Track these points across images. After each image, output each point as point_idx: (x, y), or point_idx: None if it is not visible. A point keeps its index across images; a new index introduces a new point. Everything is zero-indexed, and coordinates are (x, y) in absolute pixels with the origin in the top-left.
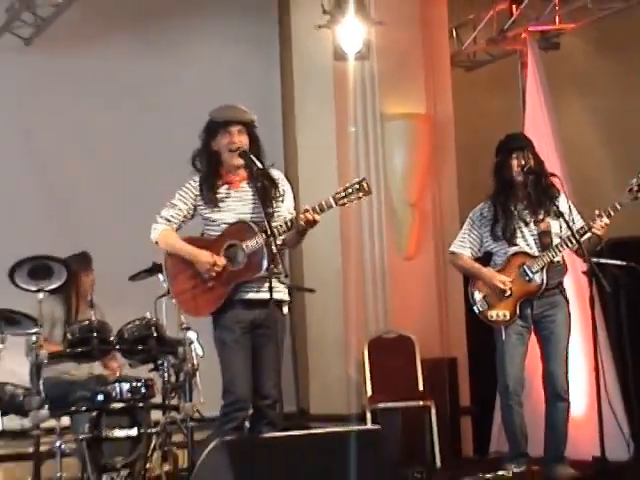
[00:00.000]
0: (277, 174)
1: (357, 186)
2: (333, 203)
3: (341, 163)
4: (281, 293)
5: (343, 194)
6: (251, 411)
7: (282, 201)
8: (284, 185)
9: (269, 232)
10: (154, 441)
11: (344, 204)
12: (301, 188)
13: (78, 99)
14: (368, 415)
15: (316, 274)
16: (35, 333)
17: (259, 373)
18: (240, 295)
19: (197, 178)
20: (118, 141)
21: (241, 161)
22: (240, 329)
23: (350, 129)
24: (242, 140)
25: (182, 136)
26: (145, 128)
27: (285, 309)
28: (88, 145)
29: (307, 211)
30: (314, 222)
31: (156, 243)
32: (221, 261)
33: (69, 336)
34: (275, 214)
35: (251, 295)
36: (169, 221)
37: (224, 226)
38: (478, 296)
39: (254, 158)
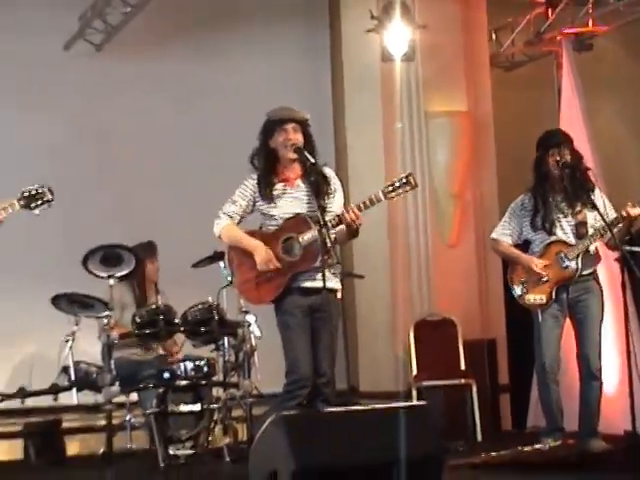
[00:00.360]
0: (329, 172)
1: (404, 180)
2: (382, 197)
3: (388, 159)
4: (334, 282)
5: (391, 188)
6: (308, 389)
7: (333, 197)
8: (335, 183)
9: (322, 224)
10: (215, 416)
11: (392, 198)
12: (351, 184)
13: (144, 101)
14: (414, 392)
15: (365, 261)
16: (107, 316)
17: (316, 353)
18: (297, 283)
19: (255, 176)
20: (181, 139)
21: (295, 156)
22: (301, 313)
23: (396, 126)
24: (297, 137)
25: (239, 136)
26: (205, 128)
27: (339, 295)
28: (154, 143)
29: (348, 211)
30: (356, 220)
31: (219, 237)
32: (275, 263)
33: (137, 319)
34: (327, 209)
35: (308, 284)
36: (231, 217)
37: (281, 220)
38: (517, 281)
39: (307, 154)
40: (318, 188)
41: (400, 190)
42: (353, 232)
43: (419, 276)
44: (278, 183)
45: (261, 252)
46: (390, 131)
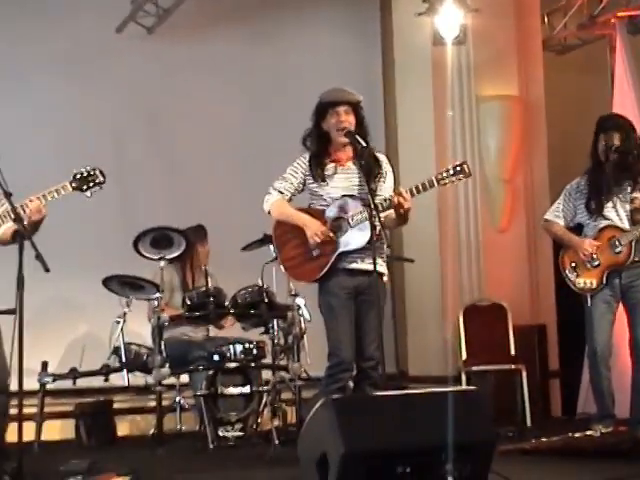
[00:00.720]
0: (381, 157)
1: (458, 168)
2: (435, 183)
3: (438, 144)
4: (380, 266)
5: (445, 175)
6: (355, 372)
7: (384, 182)
8: (387, 167)
9: (372, 206)
10: (265, 398)
11: (445, 184)
12: (401, 168)
13: (196, 83)
14: (463, 377)
15: (415, 245)
16: (157, 298)
17: (363, 336)
18: (343, 264)
19: (307, 155)
20: (232, 122)
21: (347, 140)
22: (345, 294)
23: (448, 112)
24: (349, 119)
25: (291, 118)
26: (257, 110)
27: (385, 278)
28: (205, 126)
29: (399, 194)
30: (405, 204)
31: (268, 212)
32: (326, 231)
33: (188, 301)
34: (377, 192)
35: (354, 265)
36: (281, 193)
37: (330, 200)
38: (568, 265)
39: (358, 137)
40: (369, 171)
41: (454, 178)
42: (402, 217)
43: (469, 261)
44: (329, 164)
45: (312, 225)
46: (441, 115)
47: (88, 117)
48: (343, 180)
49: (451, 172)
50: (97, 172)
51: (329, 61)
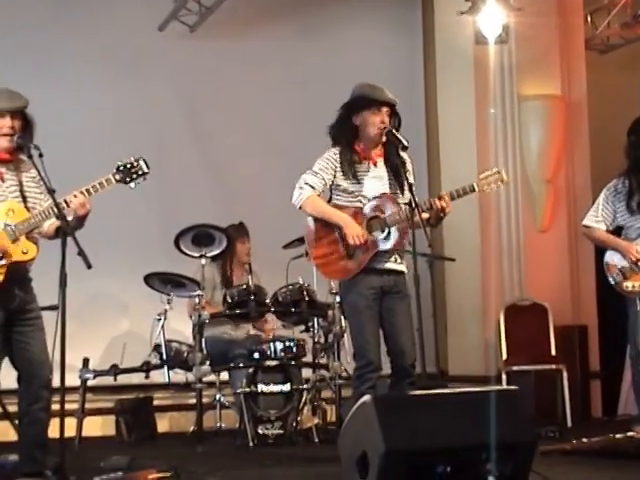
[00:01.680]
0: (404, 155)
1: (496, 175)
2: (476, 188)
3: (480, 143)
4: (403, 265)
5: (485, 182)
6: (381, 372)
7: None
8: (410, 166)
9: (415, 206)
10: (305, 396)
11: (483, 190)
12: (443, 168)
13: (239, 81)
14: (503, 377)
15: (456, 244)
16: (198, 295)
17: (398, 334)
18: (374, 264)
19: (337, 150)
20: (276, 120)
21: (383, 139)
22: (372, 295)
23: (490, 110)
24: (388, 121)
25: (331, 114)
26: (300, 108)
27: (407, 278)
28: (248, 124)
29: (441, 198)
30: (446, 208)
31: (299, 208)
32: (366, 234)
33: (228, 299)
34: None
35: (386, 265)
36: (313, 188)
37: (360, 198)
38: (613, 268)
39: (400, 137)
40: (398, 168)
41: (493, 185)
42: (437, 221)
43: (510, 260)
44: (363, 161)
45: (353, 226)
46: (482, 114)
47: (132, 114)
48: (376, 179)
49: (490, 178)
50: (141, 162)
51: (370, 59)
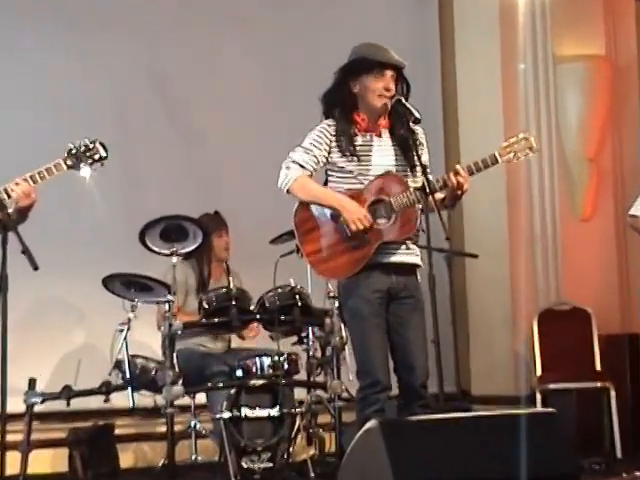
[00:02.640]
0: (416, 126)
1: (523, 142)
2: (499, 158)
3: (507, 112)
4: (417, 257)
5: (508, 149)
6: (391, 392)
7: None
8: (422, 138)
9: (428, 188)
10: (298, 422)
11: (510, 161)
12: (462, 143)
13: (218, 42)
14: (538, 397)
15: (479, 237)
16: (168, 301)
17: (409, 346)
18: (379, 258)
19: (332, 122)
20: (262, 88)
21: (387, 108)
22: (377, 299)
23: (519, 67)
24: (394, 88)
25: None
26: (293, 75)
27: (419, 277)
28: (228, 94)
29: (457, 173)
30: (464, 185)
31: (287, 192)
32: (369, 216)
33: (205, 305)
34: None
35: (393, 258)
36: (303, 167)
37: (361, 178)
38: None
39: (411, 107)
40: (408, 142)
41: (520, 154)
42: (454, 200)
43: (545, 256)
44: (363, 134)
45: (353, 207)
46: (510, 79)
47: (85, 82)
48: (379, 154)
49: (515, 145)
50: (97, 145)
51: (375, 17)
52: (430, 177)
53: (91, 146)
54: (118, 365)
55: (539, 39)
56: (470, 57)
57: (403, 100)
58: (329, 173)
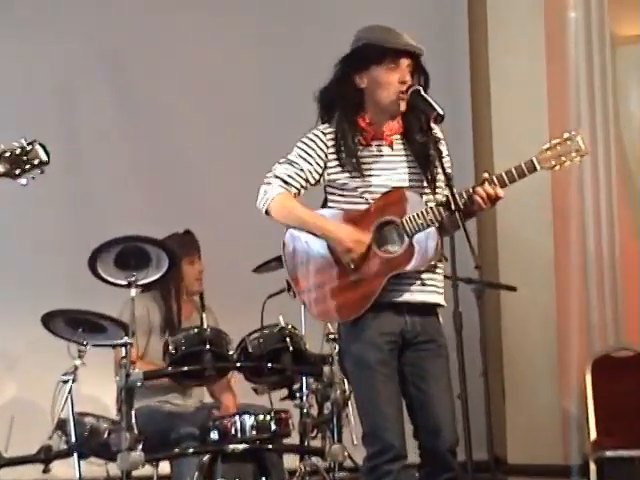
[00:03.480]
0: (438, 130)
1: (569, 142)
2: (537, 165)
3: (553, 106)
4: (439, 295)
5: (550, 153)
6: (406, 461)
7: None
8: (442, 141)
9: (454, 205)
10: None
11: (552, 168)
12: (495, 144)
13: (188, 22)
14: (592, 467)
15: (516, 266)
16: (125, 344)
17: (432, 404)
18: (390, 296)
19: (329, 127)
20: (248, 84)
21: (402, 107)
22: (388, 344)
23: (568, 47)
24: (410, 80)
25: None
26: (281, 64)
27: (441, 317)
28: (200, 85)
29: (487, 181)
30: (496, 199)
31: (266, 213)
32: (364, 237)
33: (172, 349)
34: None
35: (406, 296)
36: (286, 183)
37: (368, 196)
38: None
39: (432, 101)
40: (426, 149)
41: (565, 159)
42: (467, 217)
43: (600, 289)
44: (370, 141)
45: (339, 233)
46: (556, 63)
47: (20, 67)
48: (389, 167)
49: (559, 148)
50: (36, 147)
51: None
52: (456, 194)
53: (28, 148)
54: (61, 425)
55: (594, 17)
56: (507, 40)
57: (422, 91)
58: (328, 190)
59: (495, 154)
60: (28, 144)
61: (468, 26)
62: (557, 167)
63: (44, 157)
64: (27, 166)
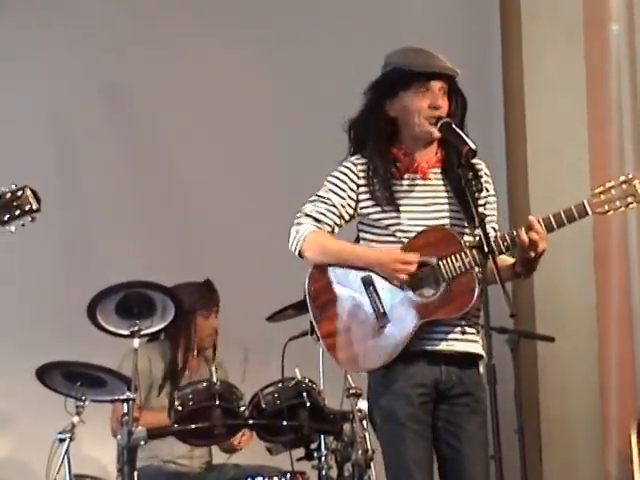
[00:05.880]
0: (478, 162)
1: (624, 186)
2: (589, 210)
3: (594, 133)
4: (478, 345)
5: (603, 197)
6: None
7: (487, 203)
8: (487, 179)
9: (487, 246)
10: None
11: (606, 213)
12: (531, 180)
13: (191, 41)
14: None
15: (555, 314)
16: (127, 400)
17: (464, 465)
18: (423, 344)
19: (359, 159)
20: (258, 107)
21: (437, 135)
22: (420, 396)
23: (612, 27)
24: (445, 105)
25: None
26: (299, 87)
27: (481, 369)
28: (214, 117)
29: (530, 227)
30: (539, 243)
31: (299, 254)
32: (411, 256)
33: (178, 405)
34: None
35: (444, 346)
36: (318, 221)
37: (401, 235)
38: None
39: (463, 134)
40: (467, 187)
41: (619, 203)
42: (528, 266)
43: None
44: (404, 174)
45: (383, 257)
46: (598, 85)
47: (13, 94)
48: (425, 202)
49: (612, 192)
50: (27, 193)
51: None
52: (490, 230)
53: (19, 194)
54: None
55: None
56: (543, 61)
57: (452, 124)
58: (360, 227)
59: (531, 193)
60: (18, 189)
61: (501, 55)
62: (610, 212)
63: (35, 204)
64: (17, 212)
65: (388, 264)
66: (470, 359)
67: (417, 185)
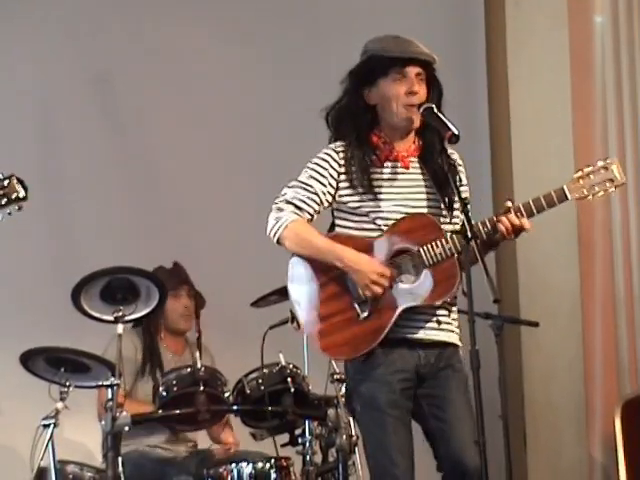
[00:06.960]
0: (452, 151)
1: (603, 171)
2: (568, 195)
3: (580, 123)
4: (455, 335)
5: (582, 182)
6: None
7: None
8: (462, 170)
9: (470, 231)
10: None
11: (585, 197)
12: (515, 167)
13: (180, 32)
14: None
15: (539, 300)
16: (112, 385)
17: (454, 429)
18: (403, 331)
19: (341, 146)
20: (243, 96)
21: (416, 123)
22: (400, 382)
23: (595, 20)
24: (422, 91)
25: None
26: (285, 78)
27: (461, 353)
28: (195, 104)
29: (510, 211)
30: (520, 230)
31: (277, 242)
32: (388, 271)
33: (162, 391)
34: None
35: (420, 334)
36: (299, 208)
37: (381, 223)
38: None
39: (445, 119)
40: (445, 175)
41: (598, 188)
42: (489, 247)
43: (630, 326)
44: (385, 162)
45: (362, 265)
46: (583, 75)
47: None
48: (405, 190)
49: (592, 177)
50: (14, 182)
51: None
52: (471, 216)
53: (5, 183)
54: (41, 474)
55: (636, 15)
56: (530, 49)
57: (435, 109)
58: (336, 215)
59: (515, 179)
60: (4, 178)
61: (485, 37)
62: (589, 197)
63: (22, 192)
64: (3, 200)
65: (366, 274)
66: (449, 346)
67: (398, 173)
